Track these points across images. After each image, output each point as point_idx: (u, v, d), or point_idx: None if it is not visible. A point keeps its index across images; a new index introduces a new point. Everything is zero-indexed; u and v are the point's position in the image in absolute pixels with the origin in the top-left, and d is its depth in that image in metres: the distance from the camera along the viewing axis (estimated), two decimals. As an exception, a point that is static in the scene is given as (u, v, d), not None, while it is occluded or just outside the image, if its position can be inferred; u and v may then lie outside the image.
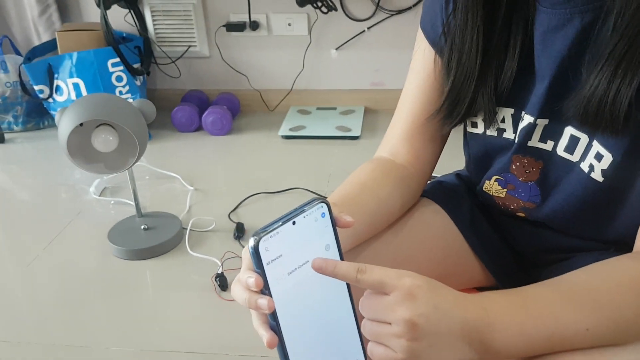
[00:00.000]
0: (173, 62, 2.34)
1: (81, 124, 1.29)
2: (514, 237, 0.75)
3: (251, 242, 0.44)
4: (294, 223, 0.46)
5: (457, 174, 0.83)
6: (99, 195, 1.80)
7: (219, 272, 1.38)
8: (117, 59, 2.04)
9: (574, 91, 0.57)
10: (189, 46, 2.32)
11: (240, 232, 1.54)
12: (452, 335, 0.44)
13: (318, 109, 2.34)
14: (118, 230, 1.56)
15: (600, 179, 0.59)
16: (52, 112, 2.17)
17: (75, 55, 2.00)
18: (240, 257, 1.46)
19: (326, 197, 0.50)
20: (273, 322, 0.46)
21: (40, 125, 2.30)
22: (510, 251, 0.76)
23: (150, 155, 2.01)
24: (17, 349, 1.21)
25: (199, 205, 1.72)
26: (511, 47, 0.62)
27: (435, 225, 0.74)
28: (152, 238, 1.51)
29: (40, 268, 1.48)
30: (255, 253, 0.44)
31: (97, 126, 1.33)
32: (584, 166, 0.60)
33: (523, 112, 0.63)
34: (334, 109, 2.33)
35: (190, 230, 1.58)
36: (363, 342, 0.49)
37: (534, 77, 0.62)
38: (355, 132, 2.11)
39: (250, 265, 0.47)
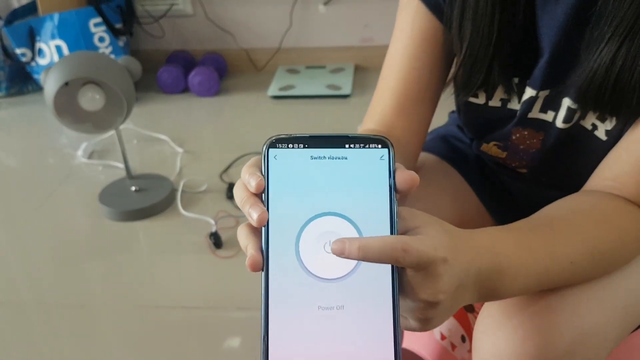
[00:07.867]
0: (156, 21, 2.28)
1: (67, 83, 1.25)
2: (509, 192, 0.74)
3: (267, 141, 0.38)
4: (334, 148, 0.36)
5: (459, 126, 0.79)
6: (87, 159, 1.78)
7: (213, 230, 1.37)
8: (99, 19, 1.99)
9: (575, 65, 0.53)
10: (172, 4, 2.26)
11: (232, 192, 1.53)
12: (465, 291, 0.41)
13: (307, 67, 2.30)
14: (108, 192, 1.54)
15: (603, 137, 0.56)
16: (35, 76, 2.11)
17: (56, 16, 1.94)
18: (234, 217, 1.47)
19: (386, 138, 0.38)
20: (264, 246, 0.37)
21: (23, 91, 2.24)
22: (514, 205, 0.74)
23: (137, 118, 1.97)
24: (12, 308, 1.21)
25: (189, 167, 1.70)
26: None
27: (449, 187, 0.72)
28: (143, 199, 1.50)
29: (32, 230, 1.47)
30: (264, 156, 0.37)
31: (83, 84, 1.30)
32: (586, 124, 0.58)
33: (527, 82, 0.58)
34: (324, 67, 2.29)
35: (182, 191, 1.56)
36: (398, 337, 0.38)
37: (536, 45, 0.57)
38: (346, 91, 2.08)
39: (259, 163, 0.40)
